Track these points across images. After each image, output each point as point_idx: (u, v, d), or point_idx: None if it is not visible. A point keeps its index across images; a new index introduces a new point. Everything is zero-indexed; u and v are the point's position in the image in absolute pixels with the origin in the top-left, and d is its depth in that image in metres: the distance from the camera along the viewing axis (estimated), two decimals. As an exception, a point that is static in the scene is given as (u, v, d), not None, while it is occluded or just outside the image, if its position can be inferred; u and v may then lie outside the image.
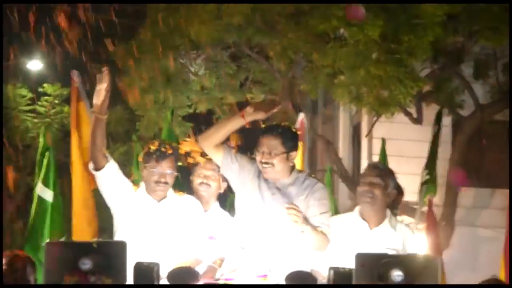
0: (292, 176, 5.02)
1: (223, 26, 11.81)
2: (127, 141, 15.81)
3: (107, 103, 5.09)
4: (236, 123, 4.98)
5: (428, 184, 8.04)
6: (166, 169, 5.13)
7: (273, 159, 4.89)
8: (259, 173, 4.99)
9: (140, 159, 5.31)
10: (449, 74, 12.76)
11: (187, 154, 5.66)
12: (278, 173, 4.96)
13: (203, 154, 5.51)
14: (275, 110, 4.96)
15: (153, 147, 5.20)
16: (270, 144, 4.91)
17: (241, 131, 5.19)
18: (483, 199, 14.96)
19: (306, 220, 4.78)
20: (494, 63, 13.26)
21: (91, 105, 5.39)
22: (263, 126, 4.98)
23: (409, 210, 10.32)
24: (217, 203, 5.65)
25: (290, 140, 4.99)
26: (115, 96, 15.90)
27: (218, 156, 5.07)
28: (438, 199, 13.26)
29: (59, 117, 16.97)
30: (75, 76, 7.25)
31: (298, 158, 7.30)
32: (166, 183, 5.16)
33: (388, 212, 5.21)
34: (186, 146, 5.70)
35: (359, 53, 10.30)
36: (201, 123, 15.00)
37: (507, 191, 15.45)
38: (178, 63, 13.47)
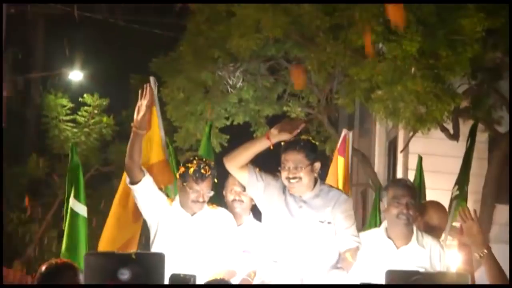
0: (316, 188, 5.08)
1: (262, 39, 11.91)
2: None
3: (147, 119, 5.21)
4: (261, 145, 5.03)
5: (458, 199, 8.00)
6: (204, 190, 5.21)
7: (299, 173, 4.95)
8: (284, 189, 5.05)
9: (178, 176, 5.35)
10: (487, 90, 12.69)
11: None
12: (305, 186, 5.02)
13: None
14: (299, 130, 5.01)
15: (192, 168, 5.22)
16: (295, 159, 4.96)
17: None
18: (519, 217, 14.83)
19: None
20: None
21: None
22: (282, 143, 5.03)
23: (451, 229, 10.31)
24: (251, 216, 5.69)
25: (312, 152, 5.05)
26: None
27: (243, 176, 5.12)
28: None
29: (98, 127, 17.20)
30: (152, 82, 7.43)
31: (340, 173, 7.36)
32: (203, 202, 5.25)
33: (415, 228, 5.20)
34: None
35: (396, 68, 10.30)
36: (238, 135, 15.16)
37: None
38: (216, 76, 13.61)
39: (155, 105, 7.08)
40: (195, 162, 5.27)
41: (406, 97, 10.45)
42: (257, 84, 14.11)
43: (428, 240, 5.18)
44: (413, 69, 10.22)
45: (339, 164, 7.54)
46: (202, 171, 5.20)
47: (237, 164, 5.05)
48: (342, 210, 5.05)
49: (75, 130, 17.06)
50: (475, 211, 8.16)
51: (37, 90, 18.93)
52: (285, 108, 14.31)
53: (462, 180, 8.12)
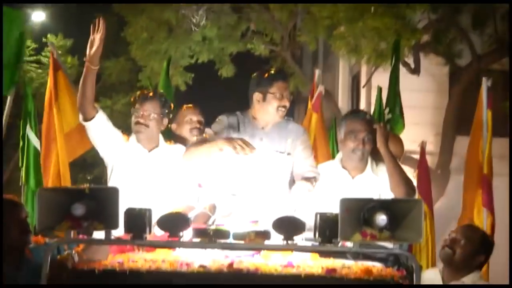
0: (277, 120, 5.07)
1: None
2: (130, 92, 15.95)
3: (99, 53, 5.01)
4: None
5: (391, 123, 7.81)
6: (146, 111, 5.10)
7: (289, 102, 5.01)
8: (240, 124, 5.02)
9: (132, 107, 5.25)
10: (447, 25, 12.86)
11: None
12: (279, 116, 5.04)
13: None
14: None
15: (139, 92, 5.23)
16: (286, 87, 5.03)
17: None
18: (479, 148, 15.14)
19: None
20: (491, 12, 13.35)
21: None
22: (271, 72, 5.03)
23: (407, 159, 10.54)
24: None
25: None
26: (118, 47, 16.15)
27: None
28: (434, 147, 13.53)
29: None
30: (52, 46, 7.32)
31: (314, 129, 7.44)
32: (146, 125, 5.12)
33: (370, 158, 5.15)
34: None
35: (357, 6, 10.39)
36: (202, 73, 15.24)
37: (502, 139, 15.68)
38: (179, 14, 13.62)
39: (62, 70, 7.04)
40: (145, 90, 5.30)
41: (367, 34, 10.58)
42: (221, 22, 14.14)
43: (382, 168, 5.12)
44: (373, 6, 10.28)
45: (312, 121, 7.60)
46: (146, 92, 5.22)
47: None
48: (301, 141, 5.06)
49: (39, 71, 16.94)
50: (424, 142, 8.29)
51: (-1, 30, 18.75)
52: (248, 46, 14.39)
53: (392, 102, 7.87)
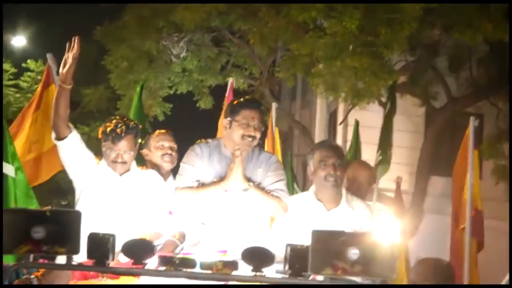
0: (249, 151, 4.96)
1: (206, 12, 12.04)
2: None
3: (72, 72, 4.94)
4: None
5: (381, 165, 8.04)
6: (122, 150, 5.05)
7: (258, 133, 4.87)
8: (213, 153, 4.93)
9: (99, 136, 5.17)
10: (424, 67, 13.04)
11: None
12: (252, 147, 4.91)
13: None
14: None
15: (109, 128, 5.06)
16: (259, 117, 4.86)
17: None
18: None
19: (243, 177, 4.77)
20: (468, 57, 13.57)
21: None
22: (241, 100, 4.91)
23: (381, 196, 10.61)
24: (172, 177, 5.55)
25: (263, 115, 5.02)
26: (98, 75, 16.19)
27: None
28: (408, 186, 13.64)
29: (41, 93, 17.10)
30: (50, 59, 7.22)
31: (277, 143, 7.59)
32: (123, 162, 5.08)
33: (344, 191, 5.09)
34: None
35: (336, 44, 10.47)
36: (180, 104, 15.32)
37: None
38: (160, 45, 13.71)
39: (54, 83, 6.84)
40: (114, 121, 5.11)
41: (345, 73, 10.67)
42: (201, 55, 14.29)
43: (357, 202, 5.08)
44: (352, 46, 10.40)
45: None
46: (118, 130, 5.05)
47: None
48: (272, 169, 4.94)
49: (17, 95, 16.93)
50: (400, 178, 8.38)
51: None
52: (227, 79, 14.47)
53: (384, 145, 8.03)
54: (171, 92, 14.63)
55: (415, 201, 13.17)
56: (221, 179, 4.84)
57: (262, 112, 4.97)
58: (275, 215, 4.94)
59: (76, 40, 4.98)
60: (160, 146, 5.61)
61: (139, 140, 5.23)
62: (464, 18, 11.08)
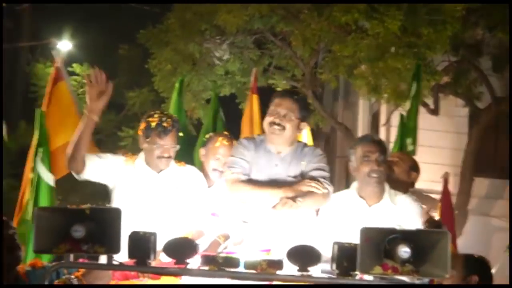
0: (294, 146, 4.95)
1: (249, 15, 12.11)
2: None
3: (101, 107, 4.80)
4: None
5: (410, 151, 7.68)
6: (169, 144, 4.98)
7: (287, 122, 4.80)
8: (258, 148, 4.91)
9: (140, 132, 5.09)
10: (468, 67, 12.96)
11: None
12: (286, 139, 4.89)
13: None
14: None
15: (153, 122, 4.98)
16: (288, 106, 4.81)
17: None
18: (496, 190, 15.18)
19: (295, 199, 4.70)
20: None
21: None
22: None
23: (425, 198, 10.58)
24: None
25: (305, 109, 4.96)
26: (142, 78, 16.34)
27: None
28: (452, 187, 13.55)
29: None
30: (57, 56, 7.26)
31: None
32: (169, 157, 5.02)
33: (387, 186, 4.97)
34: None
35: (379, 46, 10.48)
36: (224, 106, 15.38)
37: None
38: (203, 48, 13.80)
39: (65, 80, 6.87)
40: (156, 116, 5.02)
41: (387, 74, 10.65)
42: (243, 57, 14.32)
43: (401, 197, 4.96)
44: (394, 47, 10.39)
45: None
46: (164, 124, 4.98)
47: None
48: (315, 161, 4.90)
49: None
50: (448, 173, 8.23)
51: (26, 59, 19.07)
52: (270, 81, 14.53)
53: (413, 131, 7.70)
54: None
55: (459, 203, 13.08)
56: (278, 185, 4.79)
57: (295, 103, 4.88)
58: (320, 205, 4.86)
59: (98, 74, 4.83)
60: (216, 158, 5.46)
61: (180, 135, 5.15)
62: (507, 17, 11.00)
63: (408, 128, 7.74)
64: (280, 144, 4.94)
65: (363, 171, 4.87)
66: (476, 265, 4.77)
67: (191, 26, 13.22)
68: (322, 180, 4.83)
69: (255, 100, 7.76)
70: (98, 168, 4.98)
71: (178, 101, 7.44)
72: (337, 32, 11.19)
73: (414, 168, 5.89)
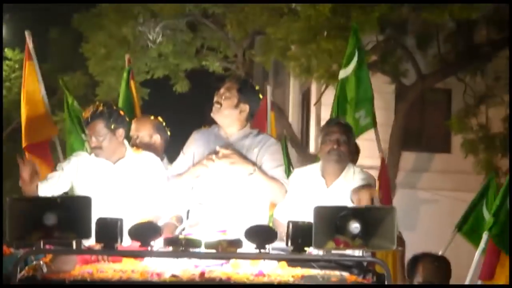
0: (245, 130, 4.98)
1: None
2: (86, 105, 16.08)
3: (35, 187, 4.76)
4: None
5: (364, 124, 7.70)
6: (92, 134, 4.93)
7: (223, 100, 4.92)
8: (210, 135, 5.00)
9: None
10: (394, 45, 13.40)
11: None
12: (225, 118, 4.95)
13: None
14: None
15: (86, 115, 4.96)
16: (229, 87, 4.95)
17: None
18: (423, 163, 15.72)
19: (246, 159, 4.83)
20: (435, 34, 13.98)
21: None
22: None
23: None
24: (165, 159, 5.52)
25: (246, 92, 5.02)
26: (75, 61, 16.35)
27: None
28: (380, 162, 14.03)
29: (19, 81, 17.13)
30: (28, 36, 7.42)
31: (272, 128, 7.66)
32: (99, 147, 4.94)
33: (350, 166, 5.04)
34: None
35: (311, 28, 10.76)
36: (158, 88, 15.56)
37: (445, 155, 16.40)
38: (137, 31, 13.94)
39: (32, 60, 7.16)
40: (90, 108, 4.98)
41: (319, 55, 10.96)
42: (176, 39, 14.46)
43: (360, 175, 4.97)
44: (326, 29, 10.67)
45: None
46: (86, 115, 4.94)
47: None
48: (269, 152, 4.93)
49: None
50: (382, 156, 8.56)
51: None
52: (203, 63, 14.76)
53: (366, 102, 7.52)
54: (148, 77, 14.83)
55: (388, 176, 13.55)
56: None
57: (235, 83, 5.01)
58: (276, 200, 5.03)
59: (25, 160, 4.86)
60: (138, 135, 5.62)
61: (116, 122, 5.00)
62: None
63: (360, 99, 7.47)
64: (227, 126, 5.03)
65: (324, 150, 5.01)
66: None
67: (124, 10, 13.33)
68: (283, 181, 4.97)
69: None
70: (50, 185, 4.93)
71: (126, 90, 7.54)
72: (270, 15, 11.42)
73: (356, 151, 6.15)
